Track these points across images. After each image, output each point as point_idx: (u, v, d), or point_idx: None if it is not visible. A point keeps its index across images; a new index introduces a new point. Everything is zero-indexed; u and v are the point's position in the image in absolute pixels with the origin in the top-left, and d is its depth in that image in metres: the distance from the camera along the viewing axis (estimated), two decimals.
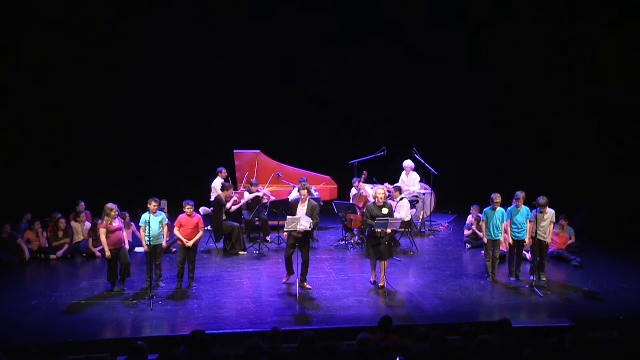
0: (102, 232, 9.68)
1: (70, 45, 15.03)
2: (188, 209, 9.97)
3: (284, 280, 10.15)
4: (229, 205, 12.06)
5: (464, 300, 9.64)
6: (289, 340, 6.82)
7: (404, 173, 13.86)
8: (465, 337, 6.11)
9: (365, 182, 13.12)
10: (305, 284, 9.89)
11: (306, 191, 9.87)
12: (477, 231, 12.32)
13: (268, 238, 12.75)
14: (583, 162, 14.94)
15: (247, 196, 12.76)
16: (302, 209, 9.75)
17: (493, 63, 16.33)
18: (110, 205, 9.73)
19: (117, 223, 9.75)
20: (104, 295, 9.69)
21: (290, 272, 10.07)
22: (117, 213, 9.74)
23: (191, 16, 16.09)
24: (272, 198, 13.10)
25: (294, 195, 12.57)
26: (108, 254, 9.68)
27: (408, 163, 13.72)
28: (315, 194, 13.30)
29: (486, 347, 5.45)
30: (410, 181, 13.71)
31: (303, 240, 9.69)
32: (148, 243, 9.59)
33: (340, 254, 12.19)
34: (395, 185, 12.70)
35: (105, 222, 9.67)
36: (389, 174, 14.01)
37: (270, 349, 6.13)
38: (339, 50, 16.82)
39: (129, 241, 10.37)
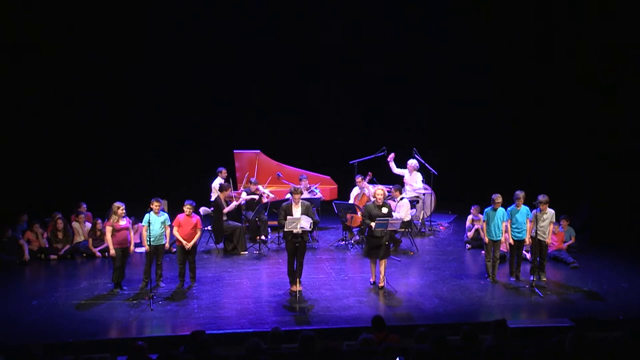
0: (108, 230, 9.68)
1: (70, 45, 15.02)
2: (187, 208, 9.98)
3: (291, 289, 9.77)
4: (227, 209, 12.00)
5: (464, 300, 9.64)
6: (289, 340, 6.82)
7: (406, 172, 13.86)
8: (465, 337, 6.11)
9: (369, 182, 13.13)
10: (299, 285, 9.70)
11: (298, 195, 9.77)
12: (480, 229, 12.20)
13: (263, 237, 12.67)
14: (583, 162, 14.94)
15: (245, 196, 12.75)
16: (296, 211, 9.70)
17: (494, 62, 16.34)
18: (117, 203, 9.75)
19: (124, 222, 9.76)
20: (104, 295, 9.70)
21: (293, 281, 9.79)
22: (124, 212, 9.74)
23: (191, 17, 16.12)
24: (272, 196, 13.09)
25: None
26: (112, 252, 9.69)
27: (412, 162, 13.74)
28: (317, 192, 13.30)
29: (494, 352, 5.45)
30: (413, 180, 13.72)
31: (302, 244, 9.63)
32: (149, 243, 9.60)
33: (340, 254, 12.19)
34: (396, 184, 12.70)
35: (112, 220, 9.68)
36: (389, 174, 14.00)
37: (270, 349, 6.13)
38: (339, 50, 16.82)
39: (134, 242, 10.38)
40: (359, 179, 12.83)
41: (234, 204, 12.20)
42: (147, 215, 9.68)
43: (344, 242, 12.77)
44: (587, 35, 15.00)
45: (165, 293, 9.75)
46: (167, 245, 10.15)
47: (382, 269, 9.86)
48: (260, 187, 12.93)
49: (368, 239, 9.81)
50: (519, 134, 16.22)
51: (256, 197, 12.70)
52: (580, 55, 15.27)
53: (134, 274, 10.50)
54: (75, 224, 12.20)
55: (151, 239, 9.63)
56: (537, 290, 9.84)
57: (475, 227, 12.44)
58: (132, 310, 9.06)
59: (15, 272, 11.07)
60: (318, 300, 9.51)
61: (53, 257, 11.78)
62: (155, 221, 9.71)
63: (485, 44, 16.34)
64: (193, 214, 10.07)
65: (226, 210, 12.00)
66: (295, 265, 9.67)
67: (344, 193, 14.03)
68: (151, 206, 9.69)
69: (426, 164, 13.88)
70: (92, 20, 15.11)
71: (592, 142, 15.01)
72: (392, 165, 13.86)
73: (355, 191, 13.03)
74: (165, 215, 9.99)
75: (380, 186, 11.25)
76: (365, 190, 12.78)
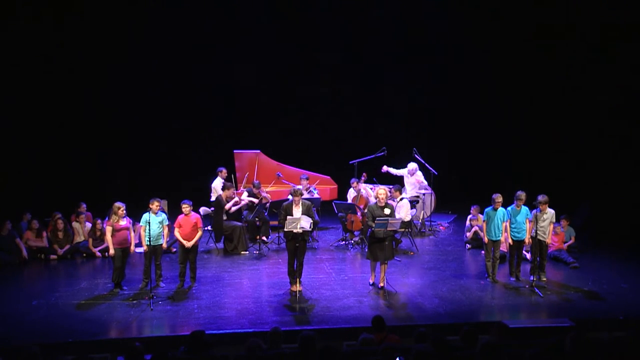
0: (109, 230, 9.69)
1: (70, 45, 15.03)
2: (185, 208, 9.97)
3: (291, 289, 9.76)
4: (228, 206, 12.06)
5: (464, 300, 9.64)
6: (289, 340, 6.82)
7: (405, 173, 13.85)
8: (465, 337, 6.10)
9: (365, 182, 13.13)
10: (299, 285, 9.71)
11: (298, 197, 9.77)
12: (478, 230, 12.20)
13: (265, 238, 12.69)
14: (583, 161, 14.95)
15: (246, 196, 12.76)
16: (297, 211, 9.71)
17: (493, 62, 16.35)
18: (117, 204, 9.74)
19: (124, 222, 9.75)
20: (104, 295, 9.69)
21: (293, 281, 9.80)
22: (124, 212, 9.74)
23: (190, 17, 16.14)
24: (269, 200, 13.09)
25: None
26: (112, 251, 9.69)
27: (411, 166, 13.74)
28: (315, 193, 13.30)
29: (490, 349, 5.44)
30: (414, 179, 13.74)
31: (302, 244, 9.65)
32: (148, 243, 9.61)
33: (340, 254, 12.19)
34: (396, 184, 12.71)
35: (112, 220, 9.68)
36: (389, 175, 14.00)
37: (270, 349, 6.13)
38: (339, 50, 16.83)
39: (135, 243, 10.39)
40: (354, 183, 12.81)
41: (234, 202, 12.18)
42: (145, 215, 9.68)
43: (344, 242, 12.77)
44: (589, 32, 14.99)
45: (165, 293, 9.74)
46: (164, 245, 10.15)
47: (382, 269, 9.86)
48: (262, 191, 12.92)
49: (371, 241, 9.78)
50: (519, 134, 16.22)
51: (256, 200, 12.68)
52: (580, 54, 15.27)
53: (134, 274, 10.49)
54: (75, 224, 12.20)
55: (150, 239, 9.63)
56: (537, 290, 9.83)
57: (475, 228, 12.43)
58: (132, 310, 9.06)
59: (15, 272, 11.07)
60: (318, 300, 9.51)
61: (53, 257, 11.77)
62: (153, 221, 9.70)
63: (486, 43, 16.35)
64: (192, 212, 10.06)
65: (227, 207, 12.01)
66: (295, 265, 9.68)
67: (343, 193, 14.03)
68: (150, 206, 9.68)
69: (426, 164, 13.89)
70: (91, 19, 15.12)
71: (593, 141, 15.02)
72: (390, 170, 13.86)
73: (351, 193, 13.01)
74: (163, 215, 9.99)
75: (382, 186, 11.24)
76: (362, 192, 12.77)
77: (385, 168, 13.84)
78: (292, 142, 16.62)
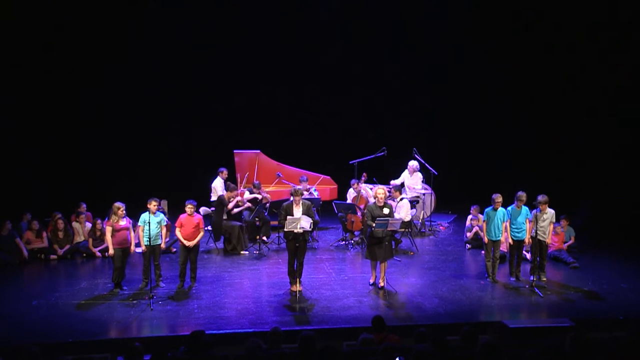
0: (108, 230, 9.70)
1: (69, 45, 15.03)
2: (189, 208, 9.97)
3: (291, 289, 9.76)
4: (230, 205, 12.06)
5: (464, 300, 9.64)
6: (289, 340, 6.82)
7: (406, 173, 13.85)
8: (465, 337, 6.10)
9: (365, 182, 13.13)
10: (299, 285, 9.72)
11: (299, 197, 9.77)
12: (479, 230, 12.20)
13: (265, 238, 12.69)
14: (583, 161, 14.94)
15: (247, 196, 12.77)
16: (297, 211, 9.71)
17: (493, 62, 16.34)
18: (117, 204, 9.76)
19: (124, 222, 9.75)
20: (104, 295, 9.70)
21: (293, 281, 9.80)
22: (124, 212, 9.75)
23: (190, 17, 16.14)
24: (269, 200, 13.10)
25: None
26: (111, 251, 9.70)
27: (412, 164, 13.74)
28: (315, 194, 13.31)
29: (490, 349, 5.45)
30: (414, 182, 13.73)
31: (302, 244, 9.65)
32: (147, 243, 9.61)
33: (340, 254, 12.19)
34: (395, 185, 12.70)
35: (112, 220, 9.68)
36: (389, 174, 14.00)
37: (270, 349, 6.13)
38: (338, 50, 16.82)
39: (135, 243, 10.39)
40: (354, 184, 12.80)
41: (235, 201, 12.17)
42: (144, 215, 9.69)
43: (344, 242, 12.77)
44: (589, 30, 14.99)
45: (165, 293, 9.75)
46: (162, 245, 10.14)
47: (382, 269, 9.86)
48: (263, 191, 12.93)
49: (370, 240, 9.79)
50: (519, 134, 16.21)
51: (259, 196, 12.72)
52: (580, 53, 15.26)
53: (134, 274, 10.50)
54: (75, 224, 12.19)
55: (150, 239, 9.62)
56: (537, 290, 9.83)
57: (475, 229, 12.43)
58: (132, 310, 9.06)
59: (15, 272, 11.07)
60: (318, 300, 9.51)
61: (53, 257, 11.77)
62: (152, 221, 9.69)
63: (485, 43, 16.34)
64: (195, 213, 10.06)
65: (230, 206, 12.01)
66: (295, 265, 9.68)
67: (343, 193, 14.02)
68: (148, 206, 9.68)
69: (426, 164, 13.89)
70: (90, 19, 15.12)
71: (593, 141, 15.02)
72: (396, 182, 13.77)
73: (351, 193, 13.01)
74: (162, 216, 9.99)
75: (381, 186, 11.24)
76: (362, 192, 12.76)
77: (392, 183, 13.77)
78: (292, 142, 16.61)
